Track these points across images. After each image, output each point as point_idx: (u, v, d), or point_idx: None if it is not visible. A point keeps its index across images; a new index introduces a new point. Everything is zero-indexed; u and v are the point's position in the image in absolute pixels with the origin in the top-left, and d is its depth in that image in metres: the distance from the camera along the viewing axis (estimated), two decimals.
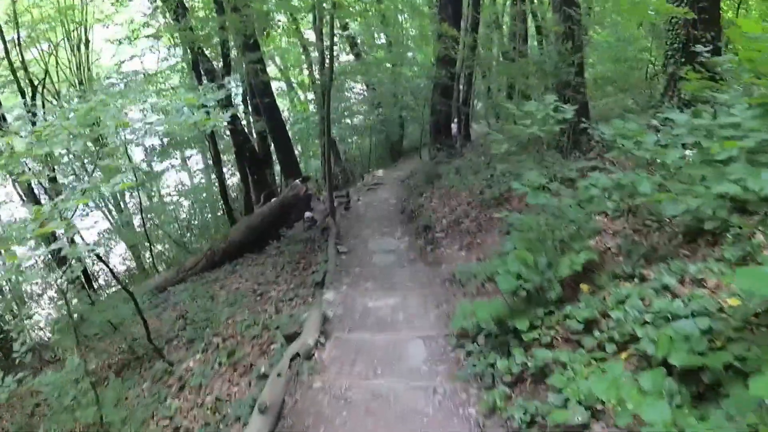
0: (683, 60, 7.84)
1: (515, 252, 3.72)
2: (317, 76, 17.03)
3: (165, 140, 15.85)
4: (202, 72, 11.87)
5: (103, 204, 18.49)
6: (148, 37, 11.60)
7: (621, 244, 4.24)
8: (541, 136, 4.46)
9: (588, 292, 3.74)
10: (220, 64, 12.12)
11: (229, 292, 8.81)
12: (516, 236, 4.07)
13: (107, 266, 7.69)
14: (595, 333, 3.34)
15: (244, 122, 15.80)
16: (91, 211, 17.51)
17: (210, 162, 17.14)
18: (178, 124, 4.58)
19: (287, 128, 20.61)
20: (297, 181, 13.63)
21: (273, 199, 10.73)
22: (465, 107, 15.34)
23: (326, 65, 10.37)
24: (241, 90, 16.61)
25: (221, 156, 11.91)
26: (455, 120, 15.76)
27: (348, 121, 19.75)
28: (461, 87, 15.01)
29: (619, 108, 10.44)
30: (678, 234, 3.92)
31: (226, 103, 11.61)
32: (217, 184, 14.87)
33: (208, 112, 4.61)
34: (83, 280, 9.66)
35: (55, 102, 15.24)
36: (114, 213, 19.06)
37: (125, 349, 6.60)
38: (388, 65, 19.18)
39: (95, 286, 15.76)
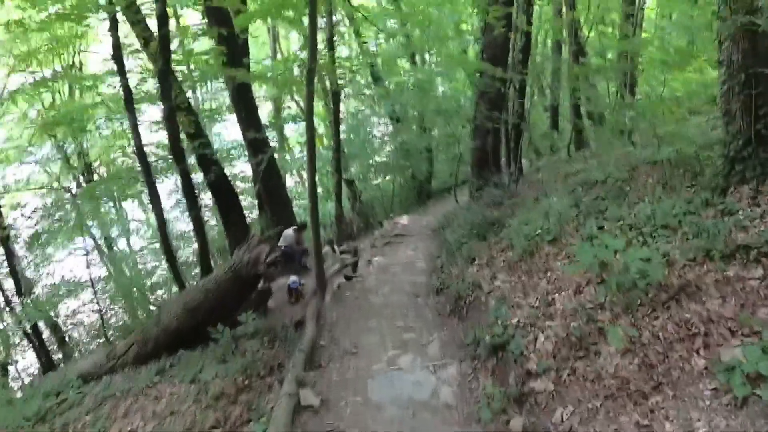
0: None
1: None
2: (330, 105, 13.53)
3: None
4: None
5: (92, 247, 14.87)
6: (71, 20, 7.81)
7: None
8: None
9: None
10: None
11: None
12: None
13: None
14: None
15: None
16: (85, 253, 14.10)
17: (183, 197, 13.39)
18: None
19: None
20: (285, 231, 9.45)
21: (222, 268, 6.47)
22: (522, 123, 10.79)
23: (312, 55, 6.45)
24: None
25: (156, 189, 7.48)
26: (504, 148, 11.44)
27: (371, 161, 16.46)
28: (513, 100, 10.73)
29: None
30: None
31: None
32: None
33: None
34: None
35: None
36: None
37: None
38: (412, 85, 15.39)
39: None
